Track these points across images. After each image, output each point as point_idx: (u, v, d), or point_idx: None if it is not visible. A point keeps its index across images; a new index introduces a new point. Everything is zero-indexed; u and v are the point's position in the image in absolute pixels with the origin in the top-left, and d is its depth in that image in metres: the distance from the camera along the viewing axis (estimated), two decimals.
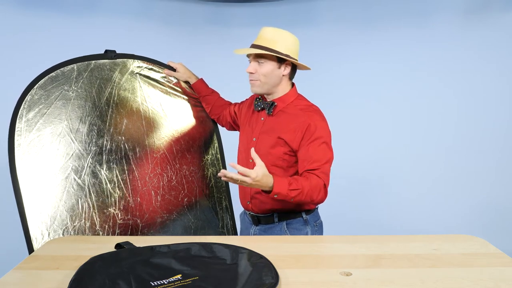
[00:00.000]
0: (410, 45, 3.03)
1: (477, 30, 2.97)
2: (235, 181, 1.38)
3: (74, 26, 2.78)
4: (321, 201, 1.53)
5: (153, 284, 0.95)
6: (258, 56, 1.59)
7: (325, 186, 1.52)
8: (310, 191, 1.46)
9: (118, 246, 1.17)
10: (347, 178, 2.88)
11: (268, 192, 1.43)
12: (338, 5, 3.04)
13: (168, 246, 1.15)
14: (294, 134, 1.56)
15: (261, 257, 1.09)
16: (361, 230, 2.89)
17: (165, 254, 1.11)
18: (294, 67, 1.65)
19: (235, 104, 1.92)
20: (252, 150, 1.43)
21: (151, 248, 1.13)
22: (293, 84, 1.69)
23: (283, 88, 1.65)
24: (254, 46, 1.60)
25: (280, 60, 1.60)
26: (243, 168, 1.36)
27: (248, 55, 1.64)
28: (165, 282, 0.96)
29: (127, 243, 1.18)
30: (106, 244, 1.21)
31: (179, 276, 0.99)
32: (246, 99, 1.87)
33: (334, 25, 3.06)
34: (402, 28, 3.02)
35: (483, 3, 2.95)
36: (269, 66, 1.59)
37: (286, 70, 1.63)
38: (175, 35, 2.99)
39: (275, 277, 0.99)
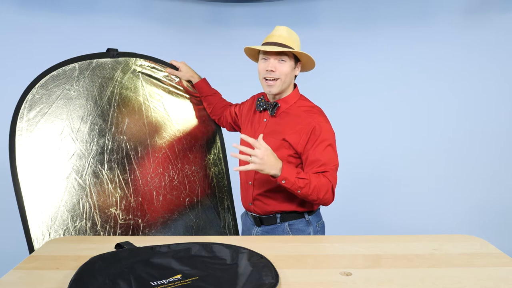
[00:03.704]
0: (410, 45, 3.04)
1: (477, 30, 2.97)
2: (246, 156, 1.41)
3: (74, 26, 2.78)
4: (327, 201, 1.53)
5: (153, 284, 0.95)
6: (280, 54, 1.55)
7: (333, 189, 1.52)
8: (317, 186, 1.46)
9: (118, 246, 1.17)
10: (347, 178, 2.89)
11: (274, 177, 1.45)
12: (338, 5, 3.04)
13: (168, 246, 1.15)
14: (299, 137, 1.55)
15: (261, 257, 1.09)
16: (361, 230, 2.90)
17: (165, 254, 1.11)
18: None
19: (236, 105, 1.92)
20: (260, 136, 1.44)
21: (151, 248, 1.13)
22: (295, 85, 1.69)
23: (289, 89, 1.65)
24: (276, 44, 1.54)
25: (297, 60, 1.60)
26: (253, 140, 1.40)
27: (264, 53, 1.58)
28: (165, 282, 0.96)
29: (127, 243, 1.18)
30: (106, 244, 1.21)
31: (179, 276, 0.99)
32: (247, 100, 1.87)
33: (334, 25, 3.06)
34: (402, 28, 3.02)
35: (483, 3, 2.95)
36: (290, 65, 1.58)
37: (297, 70, 1.63)
38: (175, 35, 3.00)
39: (275, 277, 0.99)
